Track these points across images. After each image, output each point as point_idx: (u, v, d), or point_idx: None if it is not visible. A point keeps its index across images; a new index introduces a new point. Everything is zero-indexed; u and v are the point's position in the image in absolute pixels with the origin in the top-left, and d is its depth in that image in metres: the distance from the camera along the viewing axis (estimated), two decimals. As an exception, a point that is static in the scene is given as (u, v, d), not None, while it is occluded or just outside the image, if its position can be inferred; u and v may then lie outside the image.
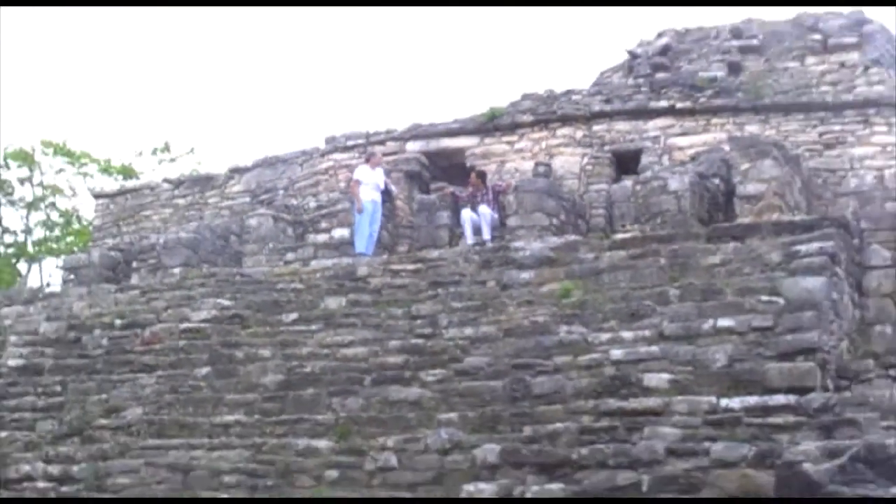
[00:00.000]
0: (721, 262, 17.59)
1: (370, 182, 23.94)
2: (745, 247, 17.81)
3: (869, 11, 27.20)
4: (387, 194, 24.32)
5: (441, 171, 26.01)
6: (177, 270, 23.56)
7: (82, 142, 57.11)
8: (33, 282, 38.57)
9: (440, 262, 20.22)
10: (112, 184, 37.97)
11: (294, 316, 19.37)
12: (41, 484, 16.73)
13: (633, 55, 27.80)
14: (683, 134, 25.14)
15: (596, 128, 25.76)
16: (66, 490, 16.43)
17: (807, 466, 7.51)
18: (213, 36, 75.39)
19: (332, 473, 15.21)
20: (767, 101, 25.11)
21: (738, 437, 13.92)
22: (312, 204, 25.77)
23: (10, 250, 41.62)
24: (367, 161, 24.65)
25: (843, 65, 26.07)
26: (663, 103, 25.82)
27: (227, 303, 20.15)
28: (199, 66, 72.91)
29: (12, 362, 20.03)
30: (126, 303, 21.40)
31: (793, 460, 7.77)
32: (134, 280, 23.92)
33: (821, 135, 24.33)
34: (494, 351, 16.92)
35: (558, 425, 14.92)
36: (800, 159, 23.56)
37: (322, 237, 24.47)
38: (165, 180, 32.05)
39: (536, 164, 25.41)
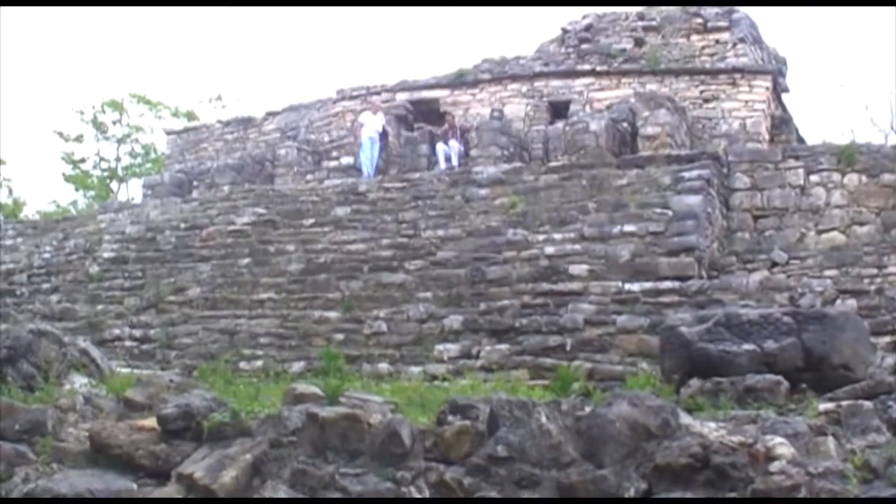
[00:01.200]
0: (627, 183, 17.46)
1: (371, 124, 23.66)
2: (644, 173, 17.69)
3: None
4: (384, 133, 24.05)
5: (422, 115, 25.57)
6: (226, 188, 23.19)
7: (158, 92, 55.99)
8: (122, 196, 38.07)
9: (420, 182, 20.01)
10: (179, 124, 37.28)
11: (312, 220, 19.12)
12: (128, 343, 16.57)
13: (565, 31, 27.28)
14: (601, 90, 24.73)
15: (537, 84, 25.30)
16: (145, 347, 16.30)
17: (683, 329, 7.43)
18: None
19: (339, 336, 15.10)
20: (663, 66, 24.73)
21: (636, 311, 13.91)
22: (326, 139, 25.44)
23: (105, 173, 41.21)
24: (370, 108, 24.43)
25: (717, 41, 25.71)
26: (587, 67, 25.37)
27: (262, 211, 19.86)
28: (246, 31, 71.47)
29: (106, 255, 19.83)
30: (189, 211, 21.08)
31: (672, 324, 7.70)
32: (194, 194, 23.57)
33: (701, 92, 23.97)
34: (459, 247, 16.78)
35: (505, 302, 14.85)
36: (686, 110, 23.34)
37: (333, 163, 24.15)
38: (218, 121, 31.39)
39: (492, 111, 25.02)
